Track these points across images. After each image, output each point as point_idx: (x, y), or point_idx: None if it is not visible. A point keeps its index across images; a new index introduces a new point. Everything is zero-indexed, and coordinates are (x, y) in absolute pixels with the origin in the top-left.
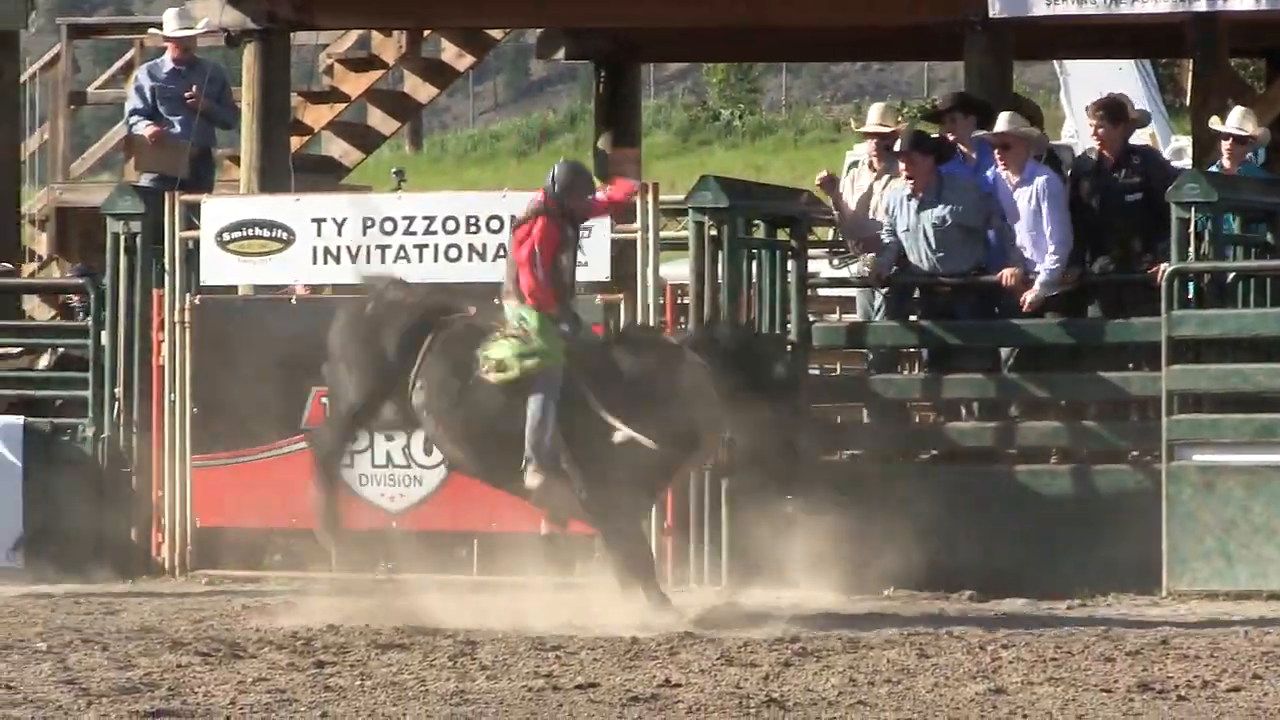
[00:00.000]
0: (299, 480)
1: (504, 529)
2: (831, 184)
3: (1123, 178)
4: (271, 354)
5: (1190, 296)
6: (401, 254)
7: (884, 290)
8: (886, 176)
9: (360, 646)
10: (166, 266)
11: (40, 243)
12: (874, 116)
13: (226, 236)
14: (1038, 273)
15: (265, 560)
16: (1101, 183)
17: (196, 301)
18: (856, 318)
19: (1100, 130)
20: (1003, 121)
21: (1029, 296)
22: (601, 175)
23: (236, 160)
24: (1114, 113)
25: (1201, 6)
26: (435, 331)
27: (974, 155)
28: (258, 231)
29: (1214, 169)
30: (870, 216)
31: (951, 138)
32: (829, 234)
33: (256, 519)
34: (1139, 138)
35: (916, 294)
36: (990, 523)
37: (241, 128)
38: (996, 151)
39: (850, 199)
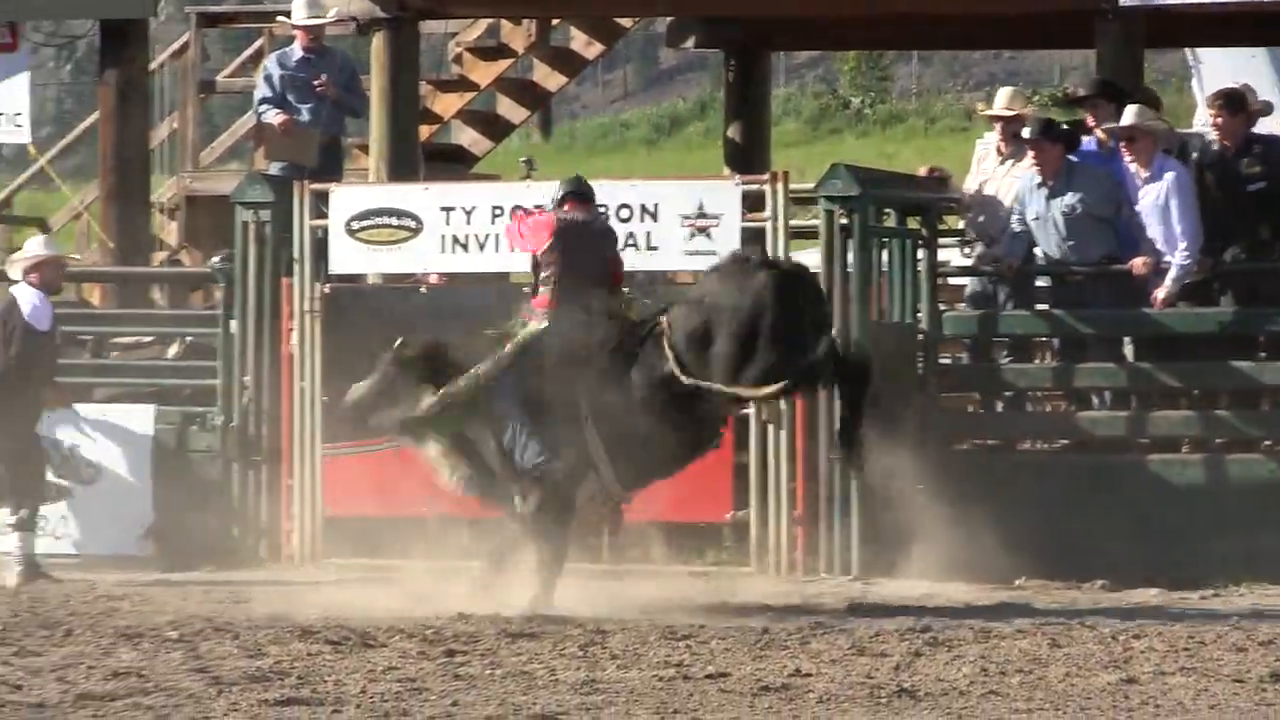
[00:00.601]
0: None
1: (635, 517)
2: (940, 181)
3: (1244, 168)
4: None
5: None
6: None
7: (1006, 279)
8: (1011, 162)
9: (490, 635)
10: (295, 255)
11: (170, 232)
12: (1001, 100)
13: (355, 225)
14: (1168, 264)
15: (394, 549)
16: (1224, 173)
17: (326, 290)
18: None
19: (1219, 120)
20: (1129, 115)
21: (1160, 294)
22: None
23: (365, 149)
24: (1233, 103)
25: None
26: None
27: (1111, 143)
28: (386, 220)
29: None
30: (994, 203)
31: (1092, 124)
32: (960, 223)
33: (386, 508)
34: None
35: (1046, 282)
36: (1122, 512)
37: (370, 116)
38: (1123, 145)
39: (979, 186)
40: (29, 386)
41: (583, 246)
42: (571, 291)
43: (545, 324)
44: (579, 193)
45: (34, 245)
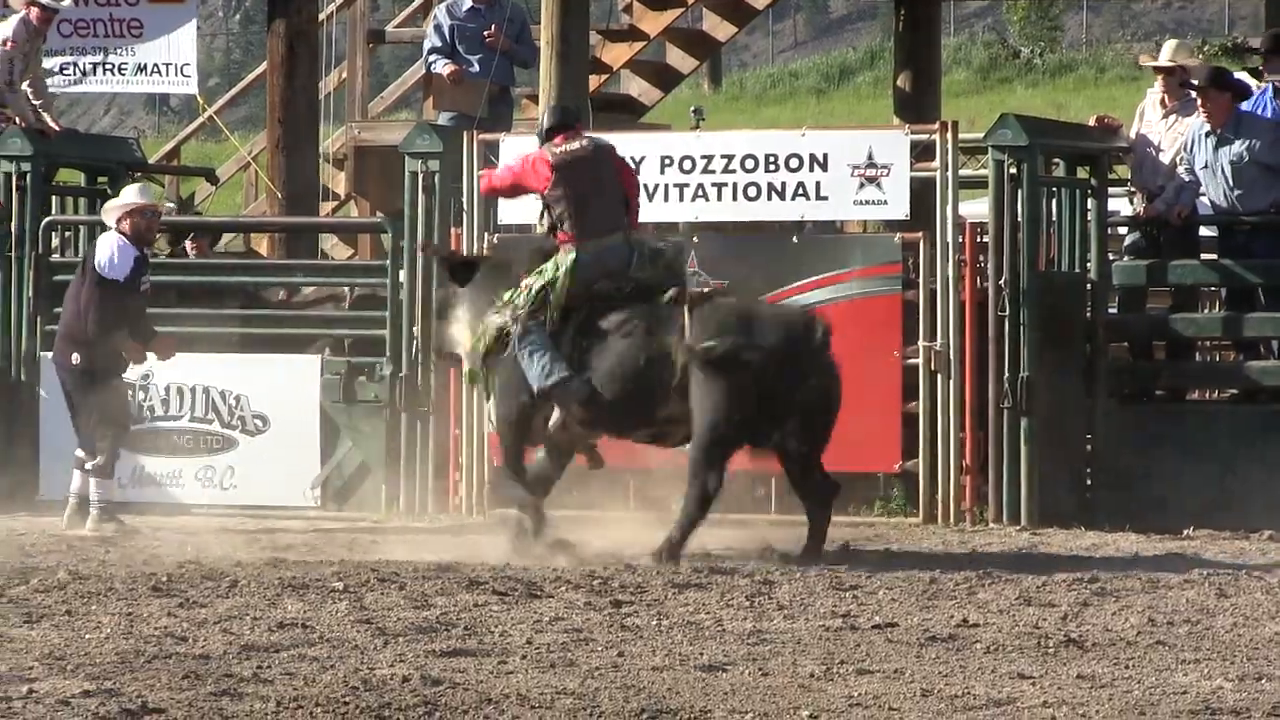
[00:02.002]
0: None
1: None
2: (1110, 130)
3: None
4: None
5: None
6: (699, 193)
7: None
8: (1174, 116)
9: (657, 586)
10: (465, 205)
11: (338, 182)
12: (1166, 53)
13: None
14: None
15: (562, 499)
16: None
17: (495, 240)
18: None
19: None
20: None
21: None
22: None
23: (535, 99)
24: None
25: None
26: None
27: None
28: None
29: None
30: (1158, 154)
31: (1270, 77)
32: (1129, 172)
33: None
34: None
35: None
36: None
37: (540, 66)
38: None
39: (1142, 133)
40: (109, 337)
41: (584, 175)
42: (589, 221)
43: (573, 255)
44: (563, 124)
45: (128, 192)
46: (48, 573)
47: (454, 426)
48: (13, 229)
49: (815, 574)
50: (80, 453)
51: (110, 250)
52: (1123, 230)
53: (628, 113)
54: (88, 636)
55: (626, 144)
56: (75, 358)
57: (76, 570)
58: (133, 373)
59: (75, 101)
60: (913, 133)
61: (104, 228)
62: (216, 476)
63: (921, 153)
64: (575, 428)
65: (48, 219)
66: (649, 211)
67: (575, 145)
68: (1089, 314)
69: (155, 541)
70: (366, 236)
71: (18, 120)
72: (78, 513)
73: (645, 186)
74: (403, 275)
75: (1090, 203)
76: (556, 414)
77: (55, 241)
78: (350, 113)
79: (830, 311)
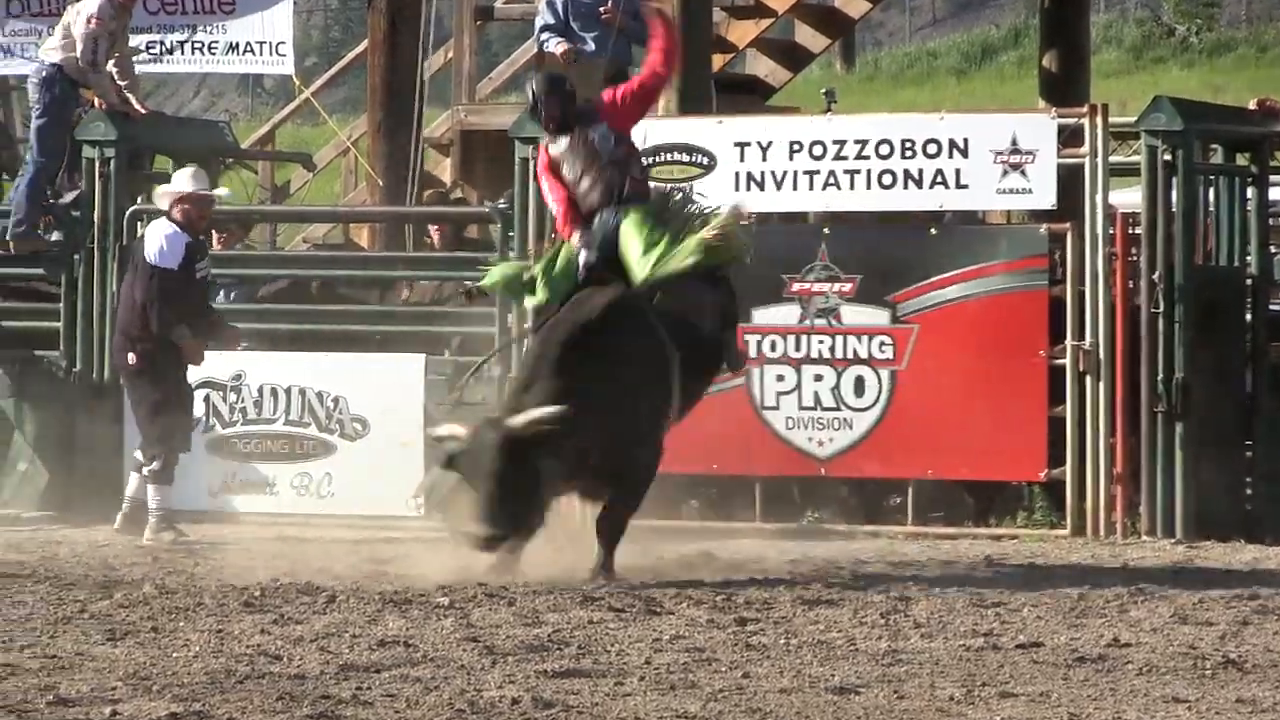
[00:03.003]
0: (723, 423)
1: (940, 475)
2: (1271, 114)
3: None
4: None
5: None
6: (831, 180)
7: None
8: None
9: (785, 603)
10: None
11: (443, 169)
12: None
13: (644, 162)
14: None
15: (683, 508)
16: None
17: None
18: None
19: None
20: None
21: None
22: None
23: None
24: None
25: None
26: None
27: None
28: (676, 156)
29: None
30: None
31: None
32: None
33: (674, 464)
34: None
35: None
36: None
37: None
38: None
39: None
40: (167, 332)
41: (580, 154)
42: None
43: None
44: (543, 99)
45: (181, 179)
46: (132, 586)
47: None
48: (95, 218)
49: (955, 590)
50: (139, 454)
51: (160, 238)
52: None
53: (754, 94)
54: (175, 655)
55: (752, 128)
56: (131, 357)
57: (163, 584)
58: (225, 372)
59: (162, 83)
60: (1060, 116)
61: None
62: (313, 484)
63: (1069, 138)
64: None
65: (133, 208)
66: (779, 201)
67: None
68: (1248, 311)
69: (247, 553)
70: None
71: (101, 103)
72: (131, 519)
73: (772, 174)
74: None
75: (1250, 191)
76: None
77: (140, 232)
78: (457, 95)
79: (971, 308)
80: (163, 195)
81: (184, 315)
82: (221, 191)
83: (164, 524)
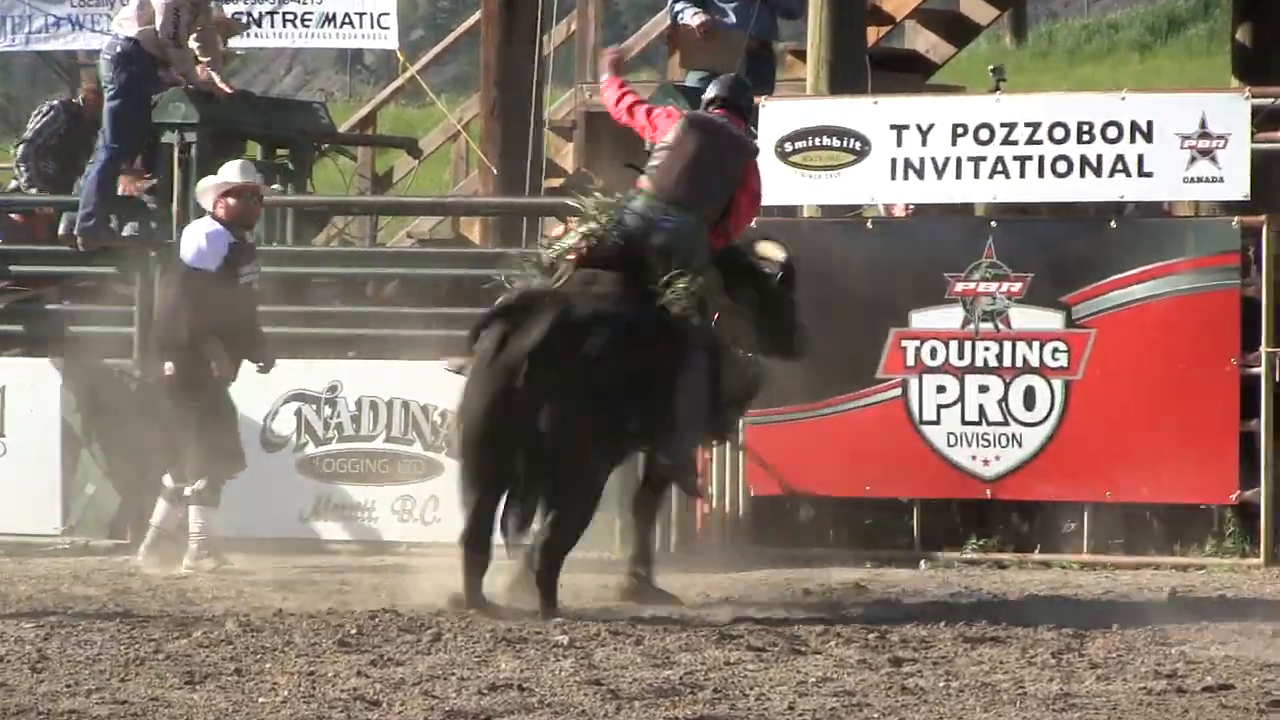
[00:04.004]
0: (878, 440)
1: (1119, 498)
2: None
3: None
4: (843, 288)
5: None
6: (998, 168)
7: None
8: None
9: (945, 641)
10: None
11: (565, 154)
12: None
13: (789, 146)
14: None
15: (832, 535)
16: None
17: (751, 225)
18: None
19: None
20: None
21: None
22: None
23: (802, 55)
24: None
25: None
26: None
27: None
28: (826, 140)
29: None
30: None
31: None
32: None
33: (822, 486)
34: None
35: None
36: None
37: (808, 16)
38: None
39: None
40: (203, 340)
41: (701, 149)
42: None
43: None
44: (731, 101)
45: (227, 170)
46: (213, 623)
47: (703, 451)
48: (174, 211)
49: (1135, 627)
50: (169, 480)
51: (200, 236)
52: None
53: (913, 71)
54: (261, 700)
55: (911, 109)
56: (168, 368)
57: (247, 620)
58: (318, 383)
59: (251, 59)
60: (1254, 96)
61: (292, 209)
62: (417, 508)
63: (1264, 120)
64: None
65: None
66: (941, 190)
67: (720, 120)
68: None
69: (343, 585)
70: None
71: (183, 80)
72: (155, 547)
73: (933, 160)
74: None
75: None
76: None
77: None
78: (580, 73)
79: (1154, 311)
80: (206, 190)
81: (220, 325)
82: (275, 186)
83: (205, 549)
